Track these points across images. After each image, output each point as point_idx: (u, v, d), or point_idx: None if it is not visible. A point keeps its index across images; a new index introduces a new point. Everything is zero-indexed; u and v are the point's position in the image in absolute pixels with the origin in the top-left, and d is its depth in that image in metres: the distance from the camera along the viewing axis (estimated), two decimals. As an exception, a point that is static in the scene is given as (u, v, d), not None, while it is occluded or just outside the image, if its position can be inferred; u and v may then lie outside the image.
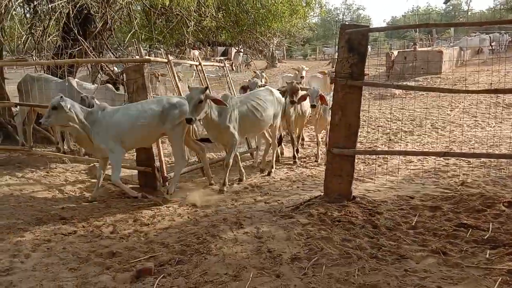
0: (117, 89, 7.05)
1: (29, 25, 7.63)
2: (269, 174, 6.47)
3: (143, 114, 5.18)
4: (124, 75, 6.24)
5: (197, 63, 7.45)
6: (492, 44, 21.65)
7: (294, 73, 12.50)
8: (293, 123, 7.03)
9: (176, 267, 3.16)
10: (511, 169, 5.44)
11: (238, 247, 3.37)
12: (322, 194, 4.40)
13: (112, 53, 8.90)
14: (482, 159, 5.97)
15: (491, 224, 3.55)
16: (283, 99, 6.58)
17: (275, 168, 6.67)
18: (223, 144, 5.99)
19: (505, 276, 2.68)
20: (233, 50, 25.12)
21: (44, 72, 7.49)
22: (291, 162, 7.15)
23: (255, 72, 12.43)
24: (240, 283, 2.81)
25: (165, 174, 5.71)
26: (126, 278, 3.07)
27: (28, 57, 8.20)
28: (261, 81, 9.01)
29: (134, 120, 5.15)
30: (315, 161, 7.30)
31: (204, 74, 7.27)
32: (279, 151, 7.31)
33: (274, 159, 6.72)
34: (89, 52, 7.37)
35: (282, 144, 7.67)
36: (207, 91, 5.08)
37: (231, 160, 5.71)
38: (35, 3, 7.39)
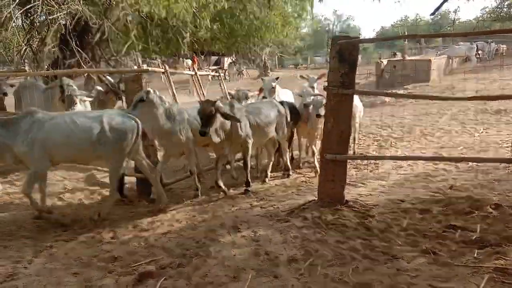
0: (120, 98, 7.09)
1: (27, 37, 7.73)
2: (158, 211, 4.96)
3: None
4: (123, 85, 6.36)
5: (193, 73, 7.60)
6: (479, 52, 22.07)
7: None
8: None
9: (177, 270, 3.25)
10: (498, 173, 5.58)
11: (237, 250, 3.47)
12: (316, 198, 4.50)
13: (108, 63, 9.00)
14: (470, 164, 6.13)
15: (478, 225, 3.66)
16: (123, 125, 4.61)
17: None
18: None
19: (492, 274, 2.80)
20: (228, 60, 25.33)
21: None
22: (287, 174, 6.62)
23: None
24: (240, 283, 2.92)
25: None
26: (128, 281, 3.14)
27: (22, 68, 8.29)
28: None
29: None
30: (314, 171, 7.21)
31: (200, 83, 7.41)
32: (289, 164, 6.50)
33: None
34: (86, 63, 7.47)
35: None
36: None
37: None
38: (34, 15, 7.49)
